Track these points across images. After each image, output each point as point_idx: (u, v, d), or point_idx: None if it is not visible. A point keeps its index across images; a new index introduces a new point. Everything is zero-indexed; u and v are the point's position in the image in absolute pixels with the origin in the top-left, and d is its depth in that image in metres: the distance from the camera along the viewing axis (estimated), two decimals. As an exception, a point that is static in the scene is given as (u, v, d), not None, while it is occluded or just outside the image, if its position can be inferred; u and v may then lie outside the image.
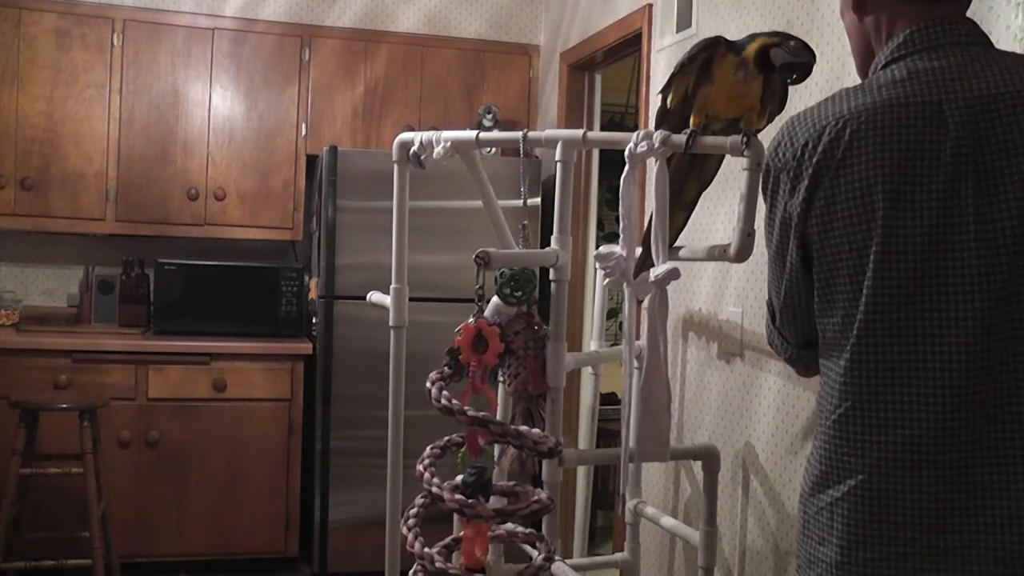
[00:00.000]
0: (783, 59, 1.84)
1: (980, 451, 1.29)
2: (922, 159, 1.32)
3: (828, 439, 1.39)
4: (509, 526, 2.05)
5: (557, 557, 2.22)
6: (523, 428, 1.86)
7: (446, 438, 1.94)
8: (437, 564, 1.75)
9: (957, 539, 1.30)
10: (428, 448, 1.91)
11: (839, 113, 1.37)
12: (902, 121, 1.33)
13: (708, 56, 1.93)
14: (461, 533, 1.92)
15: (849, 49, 2.31)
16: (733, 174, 2.72)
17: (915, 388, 1.31)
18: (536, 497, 1.86)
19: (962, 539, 1.29)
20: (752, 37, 1.91)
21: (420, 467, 1.85)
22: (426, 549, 1.79)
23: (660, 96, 2.07)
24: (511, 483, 2.01)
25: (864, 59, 1.51)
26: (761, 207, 2.23)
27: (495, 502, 1.98)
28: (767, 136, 2.26)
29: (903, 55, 1.39)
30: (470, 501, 1.76)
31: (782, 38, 1.87)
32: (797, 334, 1.52)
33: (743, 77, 1.92)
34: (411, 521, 1.87)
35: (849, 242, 1.35)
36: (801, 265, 1.43)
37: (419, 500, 1.90)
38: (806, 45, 1.85)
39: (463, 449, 1.88)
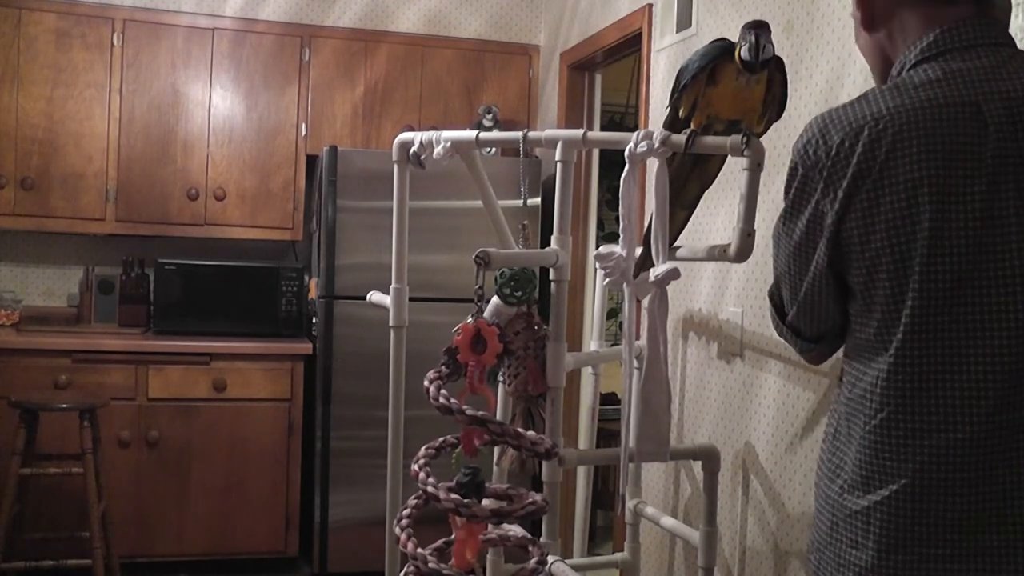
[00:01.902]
0: (746, 50, 1.85)
1: (1021, 452, 1.30)
2: (965, 160, 1.31)
3: (868, 444, 1.37)
4: (503, 530, 2.05)
5: (553, 558, 2.22)
6: (520, 429, 1.86)
7: (441, 439, 1.94)
8: (430, 564, 1.75)
9: (997, 539, 1.30)
10: (423, 448, 1.91)
11: (877, 113, 1.35)
12: (944, 121, 1.32)
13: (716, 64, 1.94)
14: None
15: (848, 49, 2.32)
16: (733, 174, 2.72)
17: (959, 392, 1.31)
18: (531, 499, 1.86)
19: (1002, 539, 1.30)
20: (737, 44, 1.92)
21: (415, 467, 1.85)
22: (419, 549, 1.79)
23: (670, 107, 2.06)
24: (505, 485, 2.01)
25: (883, 74, 1.49)
26: (761, 207, 2.23)
27: (489, 505, 1.97)
28: (778, 135, 2.26)
29: (934, 55, 1.38)
30: (466, 501, 1.76)
31: (742, 33, 1.87)
32: (813, 329, 1.51)
33: (745, 82, 1.92)
34: (404, 521, 1.87)
35: (892, 244, 1.33)
36: (828, 266, 1.41)
37: (413, 500, 1.90)
38: (750, 23, 1.85)
39: (457, 450, 1.88)
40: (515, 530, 2.27)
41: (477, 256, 2.00)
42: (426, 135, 2.53)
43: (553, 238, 2.22)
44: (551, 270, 2.21)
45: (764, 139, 1.97)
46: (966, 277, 1.30)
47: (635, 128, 3.49)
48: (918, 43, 1.40)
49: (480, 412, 1.81)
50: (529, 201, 4.19)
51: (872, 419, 1.37)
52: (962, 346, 1.31)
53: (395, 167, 2.65)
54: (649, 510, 2.87)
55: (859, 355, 1.41)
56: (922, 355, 1.33)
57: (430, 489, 1.78)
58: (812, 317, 1.48)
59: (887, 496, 1.34)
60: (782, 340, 2.57)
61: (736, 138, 1.91)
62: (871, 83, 2.24)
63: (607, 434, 4.21)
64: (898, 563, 1.33)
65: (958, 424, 1.31)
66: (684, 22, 3.17)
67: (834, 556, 1.41)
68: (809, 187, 1.41)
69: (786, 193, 1.47)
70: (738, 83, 1.92)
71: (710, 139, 1.97)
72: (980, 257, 1.30)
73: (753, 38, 1.84)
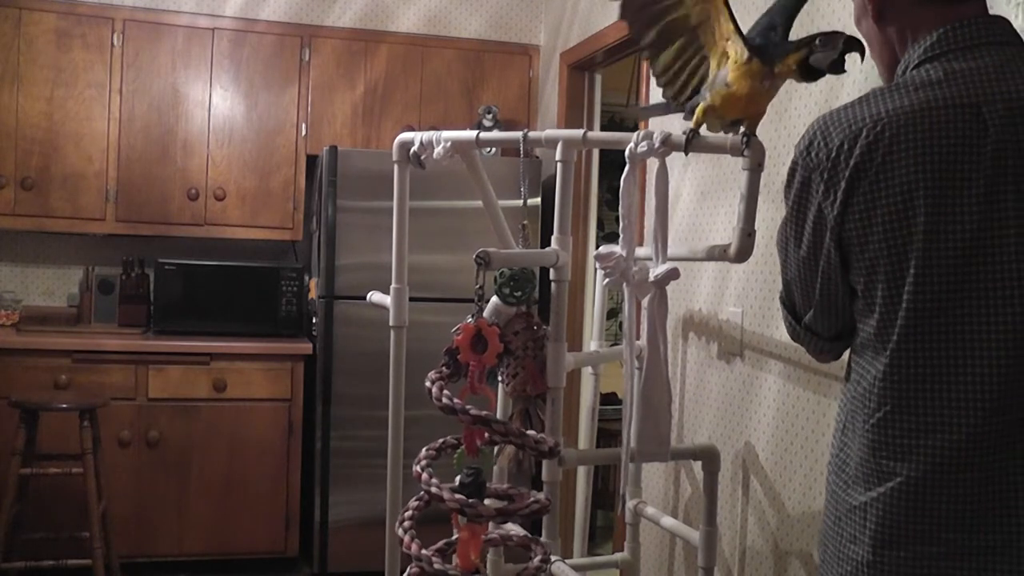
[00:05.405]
0: (827, 59, 1.74)
1: (1017, 454, 1.30)
2: (963, 162, 1.30)
3: (867, 441, 1.38)
4: (504, 530, 2.05)
5: (554, 558, 2.22)
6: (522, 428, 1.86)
7: (441, 440, 1.94)
8: (436, 566, 1.75)
9: (992, 538, 1.30)
10: (424, 449, 1.91)
11: (876, 115, 1.35)
12: (942, 123, 1.31)
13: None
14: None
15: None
16: (733, 174, 2.72)
17: (955, 393, 1.31)
18: (534, 498, 1.86)
19: (997, 538, 1.30)
20: (785, 50, 1.82)
21: (417, 468, 1.85)
22: (423, 551, 1.79)
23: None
24: (506, 486, 2.01)
25: (890, 66, 1.48)
26: (761, 207, 2.23)
27: (490, 504, 1.97)
28: (778, 135, 2.26)
29: (937, 55, 1.38)
30: (471, 501, 1.76)
31: (808, 43, 1.77)
32: (831, 328, 1.50)
33: (767, 87, 1.86)
34: (407, 523, 1.87)
35: (888, 245, 1.33)
36: (841, 264, 1.41)
37: (414, 502, 1.90)
38: (832, 33, 1.76)
39: (460, 450, 1.88)
40: (516, 530, 2.28)
41: (477, 256, 2.00)
42: (426, 135, 2.53)
43: (553, 238, 2.22)
44: (551, 270, 2.21)
45: (764, 139, 1.96)
46: (962, 280, 1.30)
47: (635, 128, 3.49)
48: (922, 42, 1.40)
49: (483, 412, 1.82)
50: (529, 201, 4.19)
51: (871, 417, 1.37)
52: (959, 348, 1.31)
53: (395, 167, 2.65)
54: (649, 510, 2.87)
55: (863, 353, 1.42)
56: (917, 356, 1.33)
57: (434, 490, 1.78)
58: (831, 316, 1.48)
59: (883, 493, 1.35)
60: (782, 340, 2.57)
61: (736, 138, 1.90)
62: (871, 84, 2.24)
63: (607, 434, 4.21)
64: (892, 559, 1.34)
65: (955, 426, 1.31)
66: (684, 22, 3.16)
67: (836, 550, 1.42)
68: (811, 189, 1.41)
69: (786, 194, 1.47)
70: (762, 86, 1.86)
71: (711, 138, 1.97)
72: (978, 259, 1.30)
73: (842, 52, 1.70)
